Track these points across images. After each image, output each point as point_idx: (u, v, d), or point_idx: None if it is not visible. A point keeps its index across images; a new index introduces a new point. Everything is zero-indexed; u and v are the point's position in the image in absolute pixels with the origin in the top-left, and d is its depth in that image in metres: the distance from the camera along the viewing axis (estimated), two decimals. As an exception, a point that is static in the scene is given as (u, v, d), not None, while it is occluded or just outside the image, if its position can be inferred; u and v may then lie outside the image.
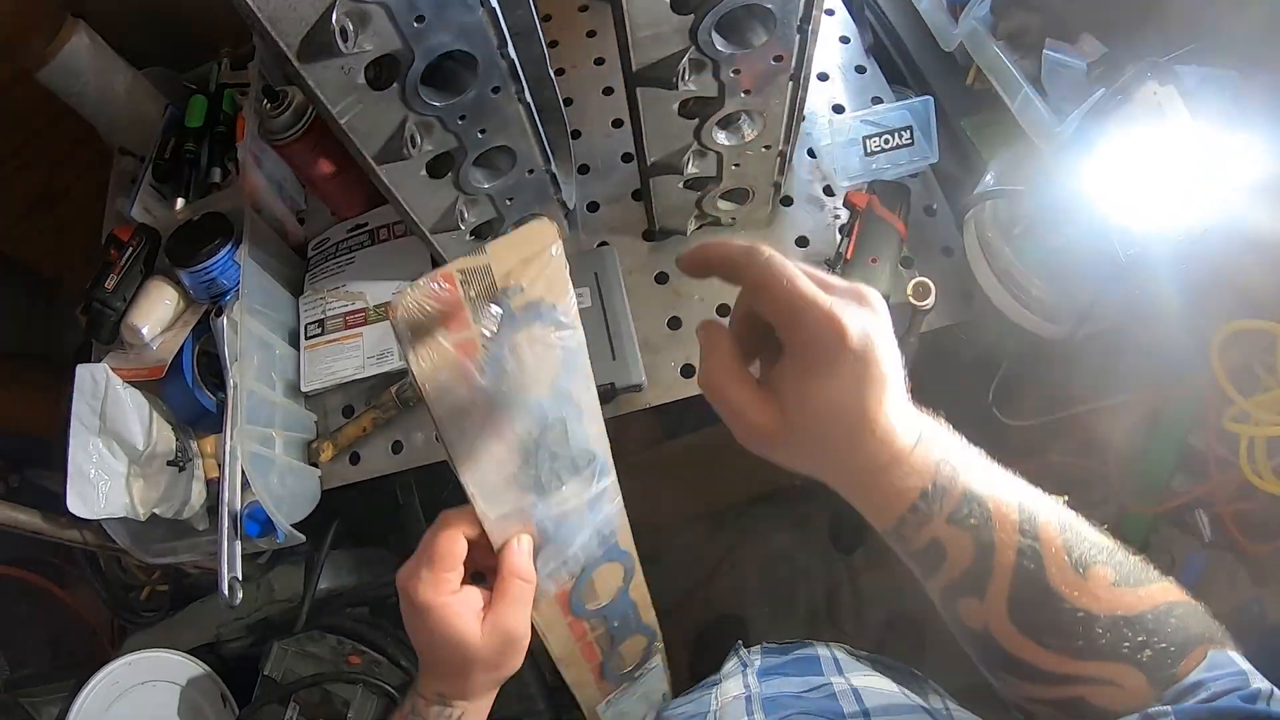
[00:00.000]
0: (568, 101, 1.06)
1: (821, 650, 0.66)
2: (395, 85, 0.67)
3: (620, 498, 0.60)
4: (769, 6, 0.66)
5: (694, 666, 1.64)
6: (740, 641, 0.77)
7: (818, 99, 1.03)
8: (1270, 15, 0.75)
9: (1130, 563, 0.42)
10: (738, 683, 0.64)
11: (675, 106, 0.76)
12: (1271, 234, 0.74)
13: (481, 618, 0.49)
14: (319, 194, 1.00)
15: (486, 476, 0.47)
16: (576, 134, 1.02)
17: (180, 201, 0.98)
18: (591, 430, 0.51)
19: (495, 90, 0.73)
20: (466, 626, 0.48)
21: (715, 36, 0.68)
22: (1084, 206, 0.78)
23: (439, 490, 1.14)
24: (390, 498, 1.13)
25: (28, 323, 1.31)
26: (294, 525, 0.87)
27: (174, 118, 1.06)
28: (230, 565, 0.82)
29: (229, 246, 0.90)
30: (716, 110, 0.76)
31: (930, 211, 0.97)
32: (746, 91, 0.75)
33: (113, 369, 0.90)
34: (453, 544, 0.48)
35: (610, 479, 0.56)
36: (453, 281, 0.39)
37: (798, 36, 0.70)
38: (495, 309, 0.41)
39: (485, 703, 0.55)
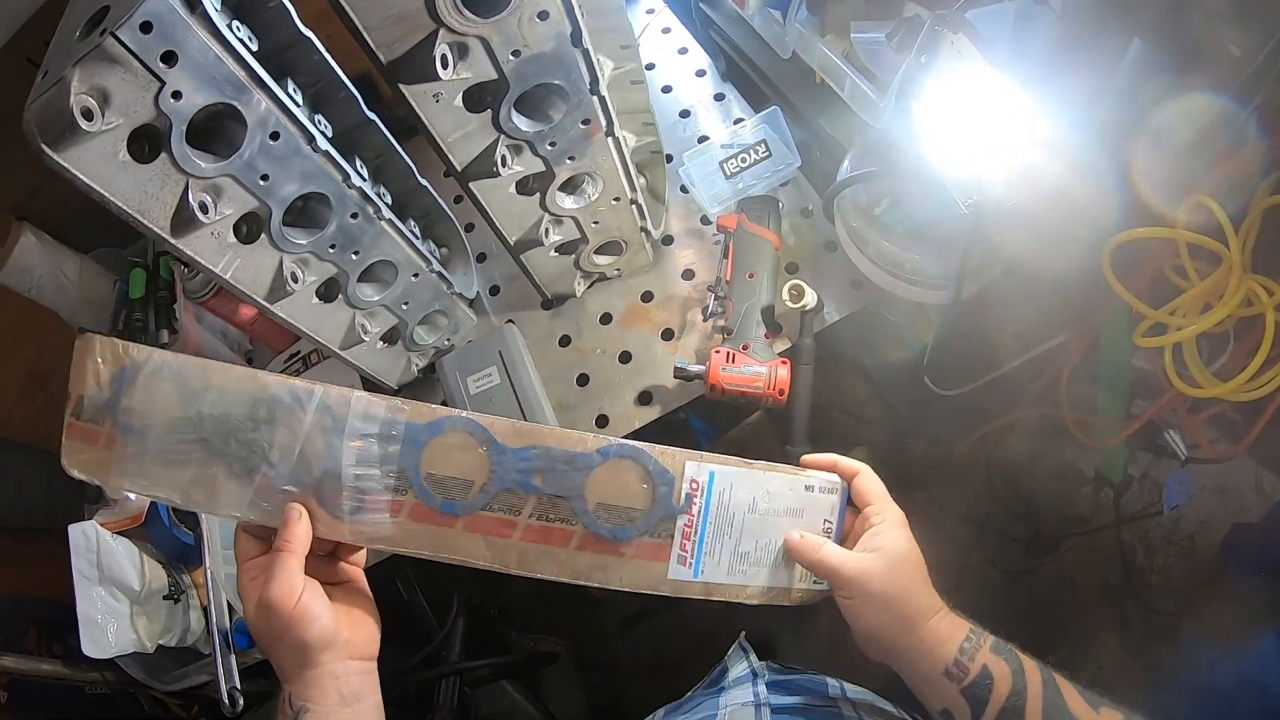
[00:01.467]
0: (458, 199, 1.13)
1: (830, 681, 0.68)
2: (263, 235, 0.76)
3: (355, 387, 0.60)
4: (556, 82, 0.72)
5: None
6: (744, 633, 0.83)
7: (683, 135, 1.09)
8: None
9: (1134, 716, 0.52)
10: (746, 691, 0.66)
11: (512, 189, 0.82)
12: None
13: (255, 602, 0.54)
14: (252, 335, 1.10)
15: (213, 496, 0.56)
16: (470, 227, 1.09)
17: (137, 366, 1.09)
18: (243, 389, 0.56)
19: (354, 216, 0.80)
20: (248, 614, 0.55)
21: (517, 120, 0.74)
22: (925, 171, 0.81)
23: (442, 580, 1.21)
24: (394, 592, 1.21)
25: (44, 497, 1.43)
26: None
27: (122, 292, 1.18)
28: (227, 678, 0.91)
29: (179, 400, 1.00)
30: (550, 181, 0.83)
31: (807, 213, 1.01)
32: (571, 158, 0.81)
33: (100, 524, 1.00)
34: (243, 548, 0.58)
35: (313, 393, 0.55)
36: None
37: (595, 98, 0.76)
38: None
39: (319, 691, 0.54)
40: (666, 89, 1.13)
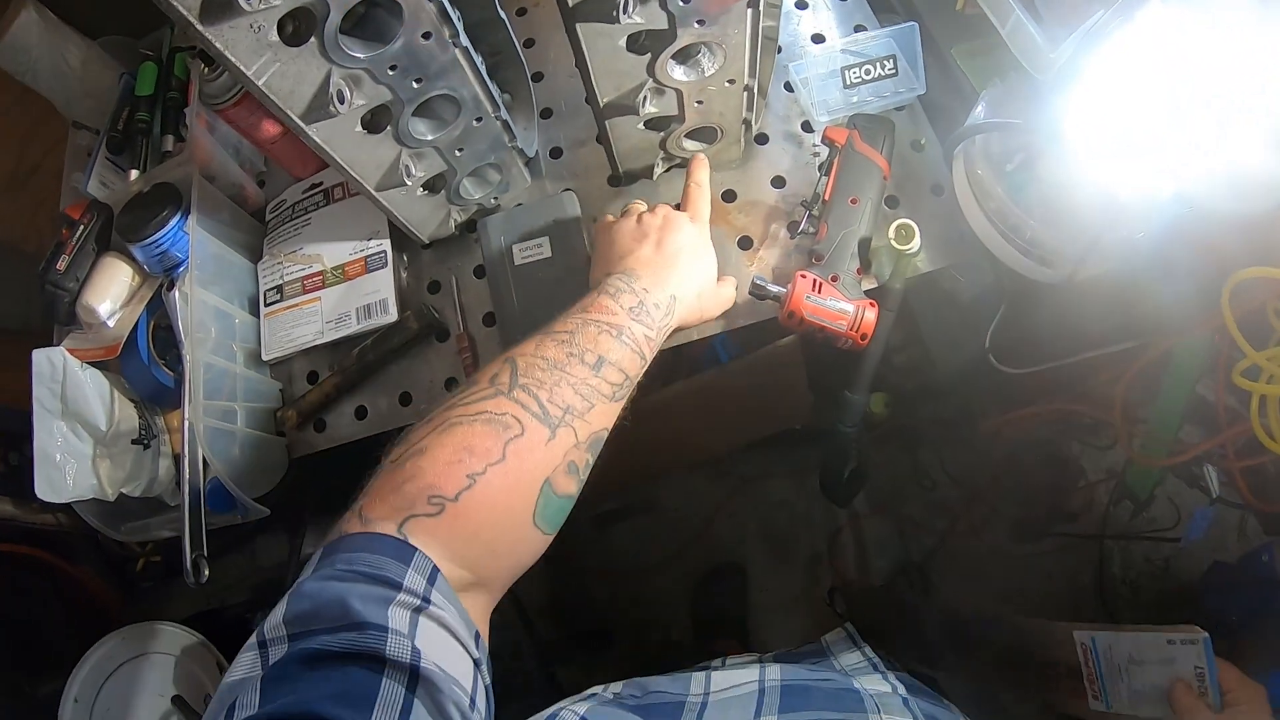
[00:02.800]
0: (529, 43, 0.98)
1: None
2: (313, 39, 0.61)
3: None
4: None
5: (696, 613, 1.62)
6: (849, 623, 0.80)
7: (797, 28, 0.95)
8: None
9: None
10: (879, 680, 0.65)
11: (622, 42, 0.69)
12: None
13: None
14: (270, 155, 0.95)
15: None
16: (539, 76, 0.95)
17: (134, 173, 0.94)
18: None
19: (426, 36, 0.66)
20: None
21: (655, -43, 0.61)
22: (1082, 141, 0.70)
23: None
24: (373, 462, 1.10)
25: (20, 299, 1.29)
26: (262, 496, 0.84)
27: (128, 87, 1.02)
28: (195, 544, 0.79)
29: (178, 217, 0.86)
30: (669, 44, 0.69)
31: (918, 147, 0.89)
32: (700, 21, 0.67)
33: (70, 350, 0.87)
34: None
35: None
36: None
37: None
38: None
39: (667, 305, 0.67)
40: (788, -29, 0.98)
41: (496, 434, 0.49)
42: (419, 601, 0.41)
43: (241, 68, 0.60)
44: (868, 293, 0.81)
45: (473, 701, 0.40)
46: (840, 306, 0.77)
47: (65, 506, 0.88)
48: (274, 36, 0.60)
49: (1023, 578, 1.57)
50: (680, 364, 1.24)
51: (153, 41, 1.09)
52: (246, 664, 0.38)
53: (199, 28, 0.56)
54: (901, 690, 0.63)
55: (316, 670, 0.36)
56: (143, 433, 0.88)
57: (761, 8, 0.68)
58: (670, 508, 1.70)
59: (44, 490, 0.84)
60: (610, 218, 0.77)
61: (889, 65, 0.87)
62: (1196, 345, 0.89)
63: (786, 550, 1.66)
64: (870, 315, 0.78)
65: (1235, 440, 0.87)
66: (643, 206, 0.76)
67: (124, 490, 0.87)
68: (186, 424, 0.81)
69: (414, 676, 0.37)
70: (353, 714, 0.34)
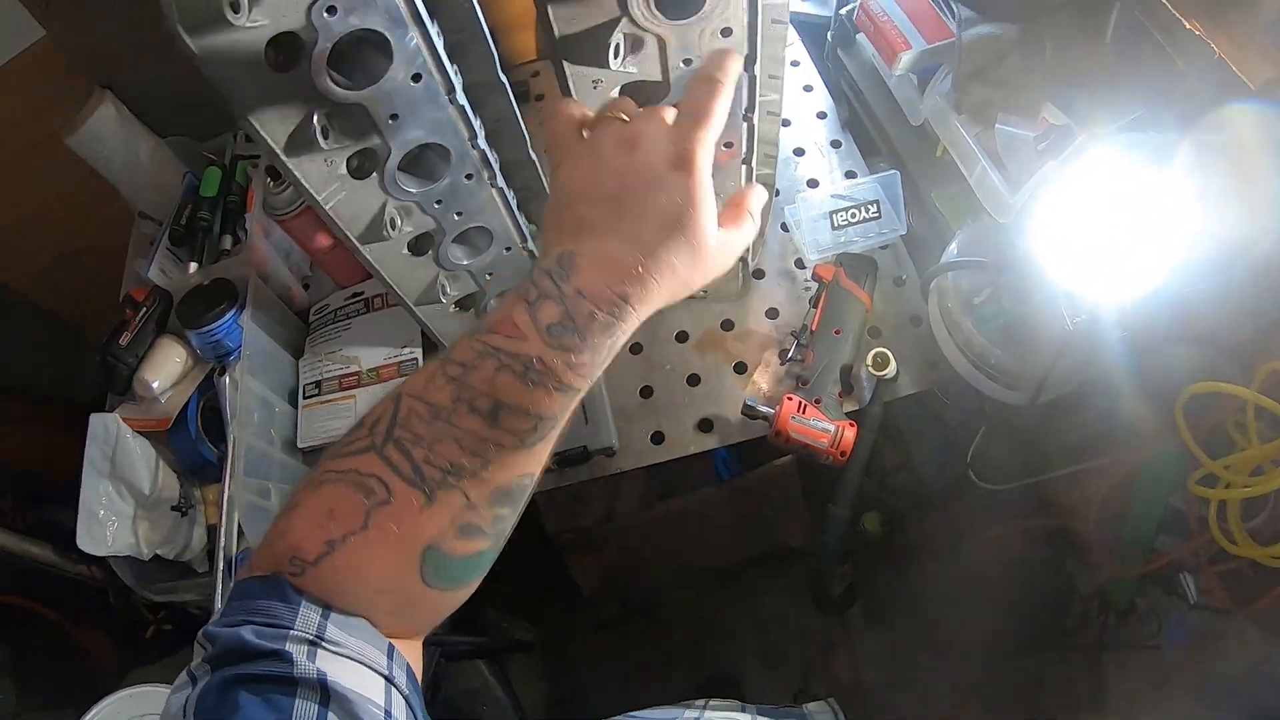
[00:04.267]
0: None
1: None
2: (375, 174, 0.75)
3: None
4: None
5: None
6: (832, 699, 0.80)
7: (794, 174, 1.10)
8: (1200, 80, 0.80)
9: None
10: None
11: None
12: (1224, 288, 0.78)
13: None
14: (319, 263, 1.09)
15: None
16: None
17: (193, 266, 1.09)
18: None
19: (469, 177, 0.81)
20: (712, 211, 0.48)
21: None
22: (1037, 275, 0.83)
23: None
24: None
25: (53, 366, 1.42)
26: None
27: (191, 185, 1.17)
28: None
29: (234, 311, 1.00)
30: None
31: (900, 282, 1.02)
32: (703, 174, 0.82)
33: (124, 419, 0.99)
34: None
35: None
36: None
37: (744, 125, 0.77)
38: None
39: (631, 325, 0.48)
40: (785, 123, 1.14)
41: (359, 499, 0.44)
42: (312, 637, 0.41)
43: (314, 193, 0.73)
44: (850, 414, 0.94)
45: (388, 713, 0.41)
46: (822, 426, 0.90)
47: (101, 561, 0.99)
48: (343, 170, 0.74)
49: (1018, 692, 1.59)
50: (679, 480, 1.35)
51: (214, 146, 1.25)
52: (178, 700, 0.39)
53: (283, 158, 0.69)
54: None
55: (231, 695, 0.38)
56: (182, 501, 1.00)
57: (754, 163, 0.83)
58: (668, 617, 1.77)
59: (85, 542, 0.95)
60: (574, 110, 0.58)
61: (873, 209, 1.02)
62: (1168, 457, 0.95)
63: (780, 664, 1.73)
64: (849, 434, 0.90)
65: (1209, 548, 0.93)
66: (629, 107, 0.56)
67: (159, 552, 0.99)
68: (226, 497, 0.93)
69: (324, 692, 0.38)
70: None
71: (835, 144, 1.12)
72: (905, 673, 1.66)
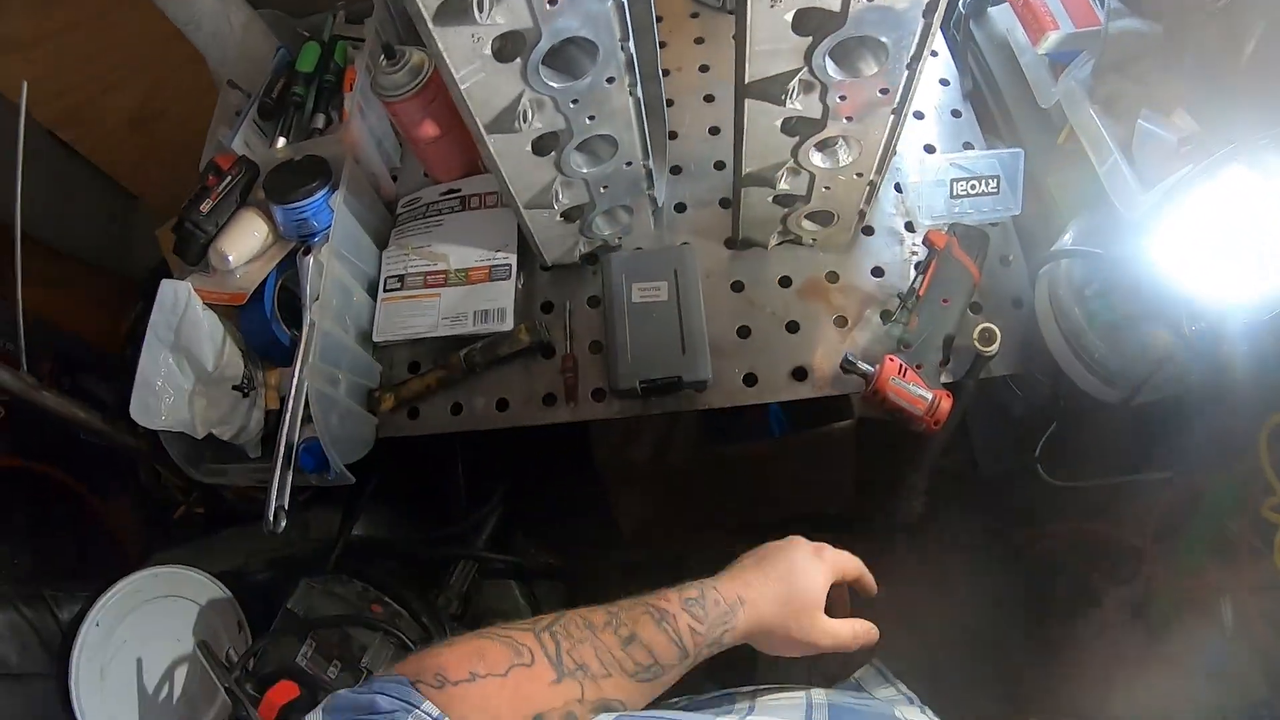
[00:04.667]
0: (669, 103, 1.11)
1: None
2: (518, 61, 0.73)
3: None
4: (883, 40, 0.71)
5: (710, 666, 1.67)
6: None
7: (911, 137, 1.08)
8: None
9: None
10: (919, 713, 0.69)
11: (779, 123, 0.81)
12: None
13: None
14: (419, 154, 1.06)
15: None
16: (674, 135, 1.07)
17: (281, 140, 1.05)
18: None
19: (610, 80, 0.78)
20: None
21: (828, 61, 0.73)
22: (1157, 277, 0.82)
23: (486, 462, 1.19)
24: (437, 464, 1.19)
25: (104, 234, 1.39)
26: (345, 467, 0.93)
27: (284, 60, 1.13)
28: (280, 493, 0.88)
29: (325, 190, 0.97)
30: (817, 132, 0.81)
31: (1006, 262, 1.01)
32: (849, 118, 0.80)
33: (195, 289, 0.96)
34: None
35: None
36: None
37: (906, 72, 0.75)
38: None
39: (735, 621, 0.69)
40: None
41: (509, 655, 0.55)
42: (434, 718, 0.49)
43: (453, 69, 0.71)
44: (946, 387, 0.93)
45: None
46: (920, 393, 0.88)
47: (152, 434, 0.96)
48: (488, 50, 0.71)
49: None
50: (733, 430, 1.34)
51: (310, 24, 1.21)
52: None
53: (430, 25, 0.67)
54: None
55: None
56: (244, 381, 0.97)
57: (902, 116, 0.81)
58: (693, 565, 1.76)
59: (138, 413, 0.92)
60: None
61: (992, 184, 1.00)
62: (1231, 481, 0.96)
63: None
64: (946, 405, 0.89)
65: (1254, 576, 0.93)
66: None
67: (214, 431, 0.96)
68: (296, 379, 0.90)
69: None
70: None
71: (955, 113, 1.10)
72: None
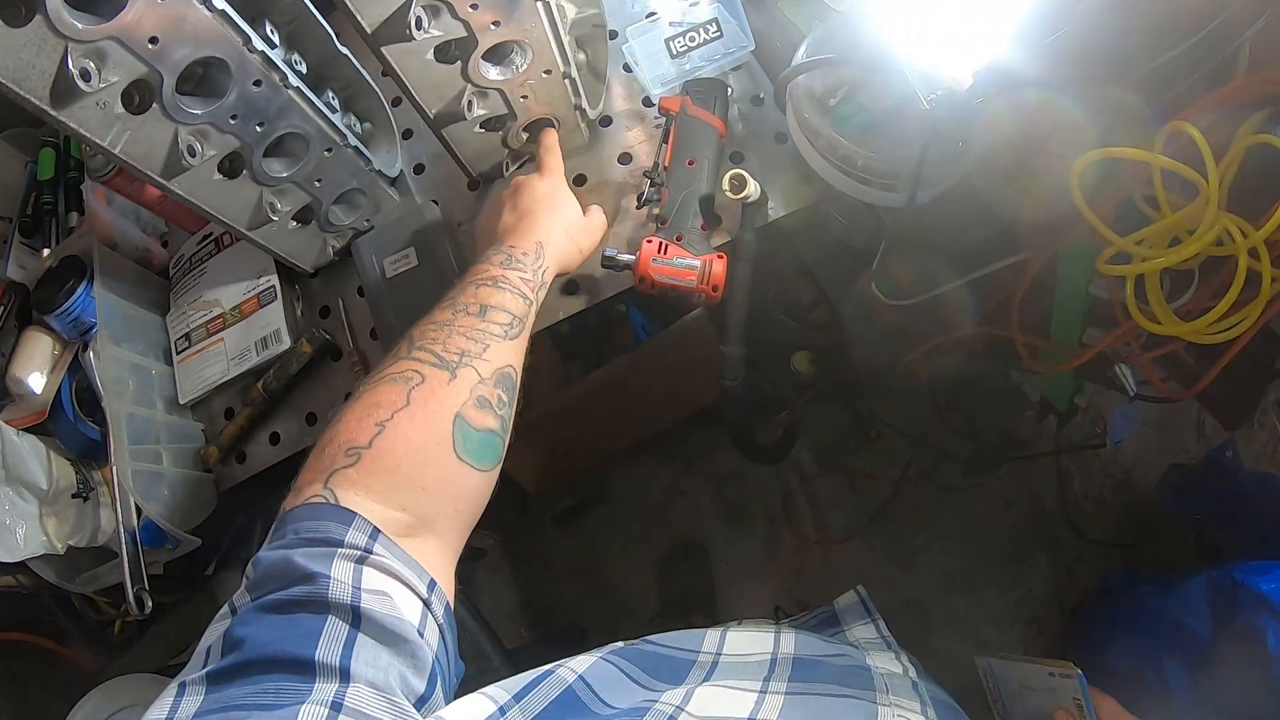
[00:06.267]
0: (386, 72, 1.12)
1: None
2: (155, 105, 0.74)
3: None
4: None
5: (664, 595, 1.72)
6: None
7: (630, 11, 1.06)
8: None
9: None
10: (892, 659, 0.70)
11: (430, 55, 0.81)
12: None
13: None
14: (161, 215, 1.09)
15: None
16: (398, 101, 1.08)
17: (46, 251, 1.09)
18: None
19: (257, 84, 0.79)
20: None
21: (430, -25, 0.73)
22: (884, 60, 0.81)
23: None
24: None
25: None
26: (194, 528, 0.97)
27: (32, 174, 1.17)
28: (135, 579, 0.92)
29: (85, 284, 1.00)
30: (473, 48, 0.81)
31: (758, 101, 1.00)
32: (495, 23, 0.79)
33: (5, 422, 1.01)
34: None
35: None
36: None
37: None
38: None
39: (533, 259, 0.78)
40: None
41: (400, 386, 0.58)
42: (360, 553, 0.47)
43: (96, 140, 0.73)
44: (722, 247, 0.92)
45: (420, 633, 0.46)
46: (686, 263, 0.88)
47: (22, 565, 1.01)
48: (119, 109, 0.72)
49: (983, 512, 1.65)
50: (590, 356, 1.35)
51: (51, 129, 1.23)
52: (213, 634, 0.45)
53: (52, 113, 0.68)
54: (912, 673, 0.68)
55: (267, 617, 0.43)
56: (80, 487, 1.01)
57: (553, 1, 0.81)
58: (623, 496, 1.81)
59: (1, 553, 0.97)
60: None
61: (713, 29, 0.99)
62: (1079, 246, 0.91)
63: (743, 520, 1.77)
64: (718, 267, 0.88)
65: (1138, 333, 0.89)
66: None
67: (72, 542, 1.00)
68: (115, 472, 0.94)
69: (356, 614, 0.44)
70: (299, 649, 0.41)
71: (671, -28, 1.08)
72: (867, 512, 1.70)
